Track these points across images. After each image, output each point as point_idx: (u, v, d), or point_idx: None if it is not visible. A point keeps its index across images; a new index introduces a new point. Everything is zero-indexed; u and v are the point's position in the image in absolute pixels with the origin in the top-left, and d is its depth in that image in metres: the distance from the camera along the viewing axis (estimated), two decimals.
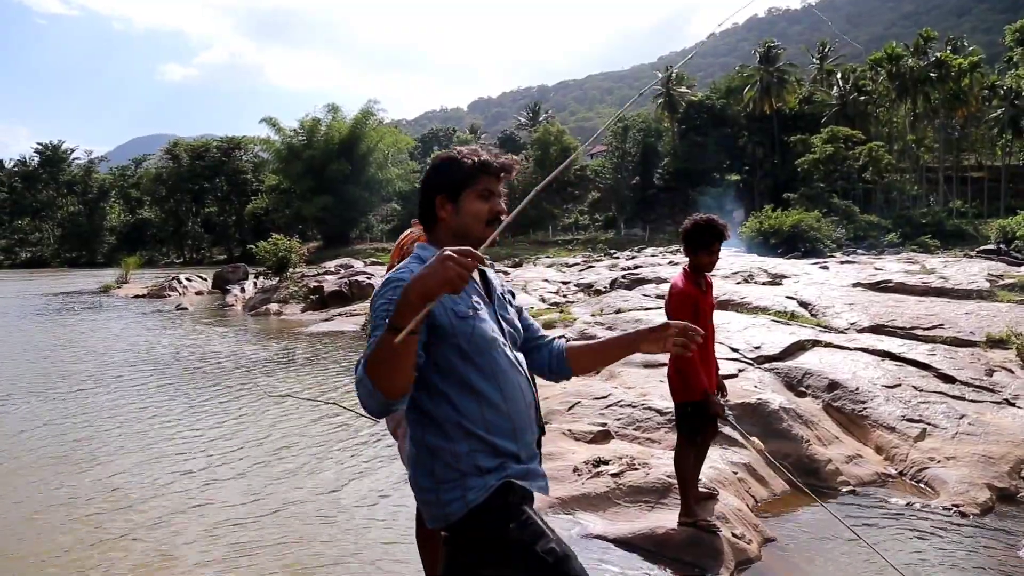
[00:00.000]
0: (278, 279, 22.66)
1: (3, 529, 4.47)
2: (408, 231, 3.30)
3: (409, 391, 1.67)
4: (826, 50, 69.07)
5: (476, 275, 1.97)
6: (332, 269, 26.37)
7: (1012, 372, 6.58)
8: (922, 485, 4.80)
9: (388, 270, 3.10)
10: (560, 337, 2.20)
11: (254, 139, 71.83)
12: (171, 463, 5.74)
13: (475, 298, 1.91)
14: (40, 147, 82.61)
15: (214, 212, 76.89)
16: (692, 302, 3.79)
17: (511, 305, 2.07)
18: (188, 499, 4.92)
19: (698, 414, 3.83)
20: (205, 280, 29.43)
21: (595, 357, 2.15)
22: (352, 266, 27.94)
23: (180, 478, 5.36)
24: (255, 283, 24.55)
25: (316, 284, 19.99)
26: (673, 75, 65.84)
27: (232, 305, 21.31)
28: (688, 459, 3.90)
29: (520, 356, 1.99)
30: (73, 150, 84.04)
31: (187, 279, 29.13)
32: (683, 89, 68.29)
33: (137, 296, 26.25)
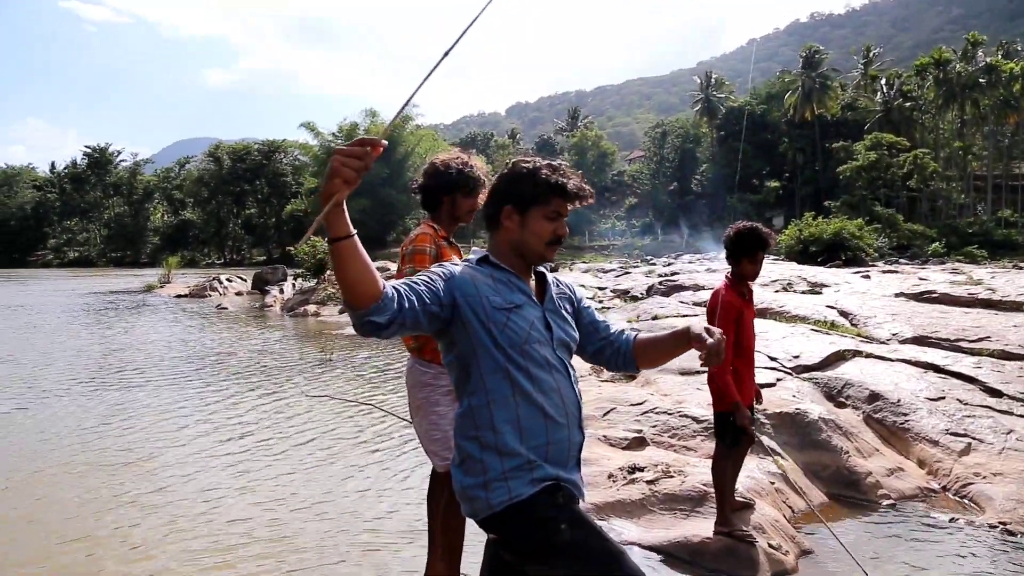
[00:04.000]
0: (316, 281, 22.92)
1: (46, 520, 4.59)
2: (415, 232, 3.29)
3: (379, 301, 1.68)
4: (871, 55, 67.88)
5: (533, 279, 2.03)
6: None
7: None
8: (966, 501, 4.68)
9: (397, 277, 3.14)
10: (631, 330, 2.20)
11: (293, 143, 72.95)
12: (208, 458, 5.84)
13: (517, 296, 1.93)
14: (89, 150, 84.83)
15: (254, 214, 78.18)
16: (735, 311, 3.75)
17: (567, 310, 2.08)
18: (222, 493, 5.00)
19: (737, 423, 3.79)
20: (245, 281, 29.90)
21: (659, 351, 2.13)
22: (388, 269, 28.19)
23: (216, 472, 5.45)
24: (294, 284, 24.87)
25: None
26: (713, 80, 65.30)
27: (271, 306, 21.62)
28: (726, 468, 3.86)
29: (566, 360, 2.00)
30: (120, 152, 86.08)
31: (227, 279, 29.63)
32: (723, 95, 67.68)
33: (179, 296, 26.78)
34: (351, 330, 14.53)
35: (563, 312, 2.05)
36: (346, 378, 9.59)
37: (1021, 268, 18.53)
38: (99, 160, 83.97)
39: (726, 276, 4.01)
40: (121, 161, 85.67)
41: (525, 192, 1.93)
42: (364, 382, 9.28)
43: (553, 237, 1.95)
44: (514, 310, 1.89)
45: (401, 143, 57.90)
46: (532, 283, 2.02)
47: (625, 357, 2.14)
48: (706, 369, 3.99)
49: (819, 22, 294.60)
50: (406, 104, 1.98)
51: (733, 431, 3.78)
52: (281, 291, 23.95)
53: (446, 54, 1.90)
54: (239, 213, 79.02)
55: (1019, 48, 58.14)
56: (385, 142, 1.58)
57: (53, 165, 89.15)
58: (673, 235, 59.59)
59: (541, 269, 2.06)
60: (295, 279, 25.63)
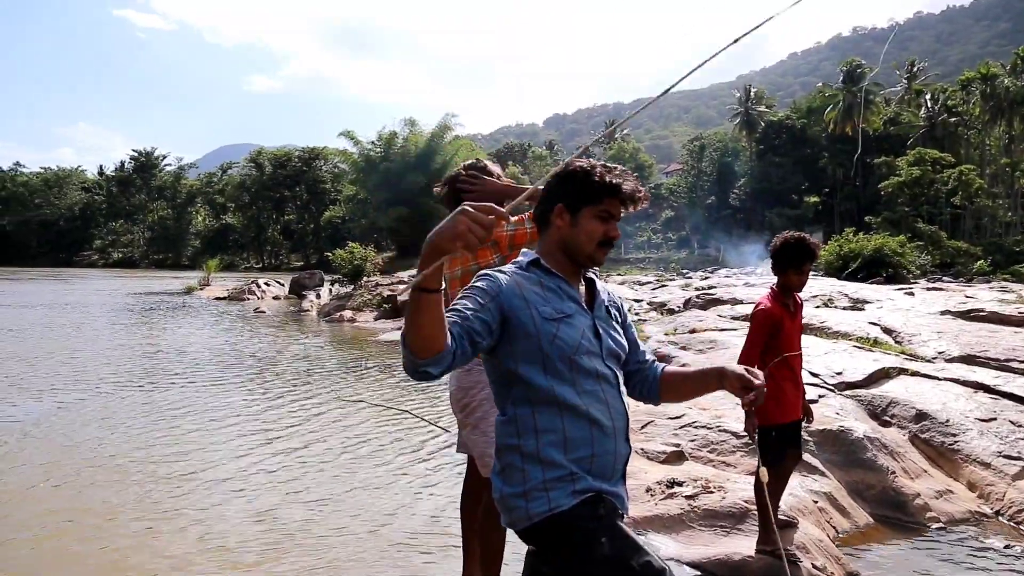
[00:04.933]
0: (352, 287, 23.14)
1: (85, 511, 4.65)
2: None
3: (439, 355, 1.64)
4: (915, 69, 66.73)
5: (583, 285, 1.98)
6: (406, 279, 26.80)
7: None
8: (1022, 527, 4.51)
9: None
10: (660, 361, 2.16)
11: (333, 150, 73.87)
12: (244, 459, 5.88)
13: (567, 304, 1.89)
14: (135, 154, 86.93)
15: (293, 219, 79.28)
16: (773, 323, 3.67)
17: (616, 320, 2.04)
18: (256, 493, 5.02)
19: (781, 439, 3.70)
20: (282, 285, 30.30)
21: (687, 386, 2.10)
22: None
23: (251, 473, 5.48)
24: (330, 290, 25.14)
25: (389, 293, 20.30)
26: (752, 94, 64.75)
27: (307, 310, 21.86)
28: (769, 485, 3.76)
29: (615, 369, 1.95)
30: (165, 156, 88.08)
31: (265, 283, 30.05)
32: (763, 108, 67.07)
33: (218, 298, 27.22)
34: (386, 336, 14.69)
35: (613, 320, 2.01)
36: (380, 383, 9.62)
37: None
38: (145, 164, 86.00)
39: (771, 287, 3.93)
40: (166, 165, 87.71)
41: (577, 191, 1.90)
42: (398, 388, 9.30)
43: (604, 238, 1.91)
44: (564, 320, 1.84)
45: (439, 152, 58.21)
46: (582, 288, 1.97)
47: (651, 387, 2.11)
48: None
49: (862, 36, 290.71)
50: (614, 126, 1.96)
51: (775, 447, 3.69)
52: (318, 296, 24.21)
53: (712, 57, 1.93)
54: (278, 218, 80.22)
55: None
56: (512, 218, 1.53)
57: (101, 168, 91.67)
58: (709, 249, 59.01)
59: (591, 275, 2.02)
60: (332, 284, 25.89)
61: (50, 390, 8.75)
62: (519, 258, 1.98)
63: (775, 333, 3.68)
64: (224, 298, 27.09)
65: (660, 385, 2.10)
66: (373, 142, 60.01)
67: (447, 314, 1.68)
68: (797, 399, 3.82)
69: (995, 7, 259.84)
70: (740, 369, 1.92)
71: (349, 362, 11.47)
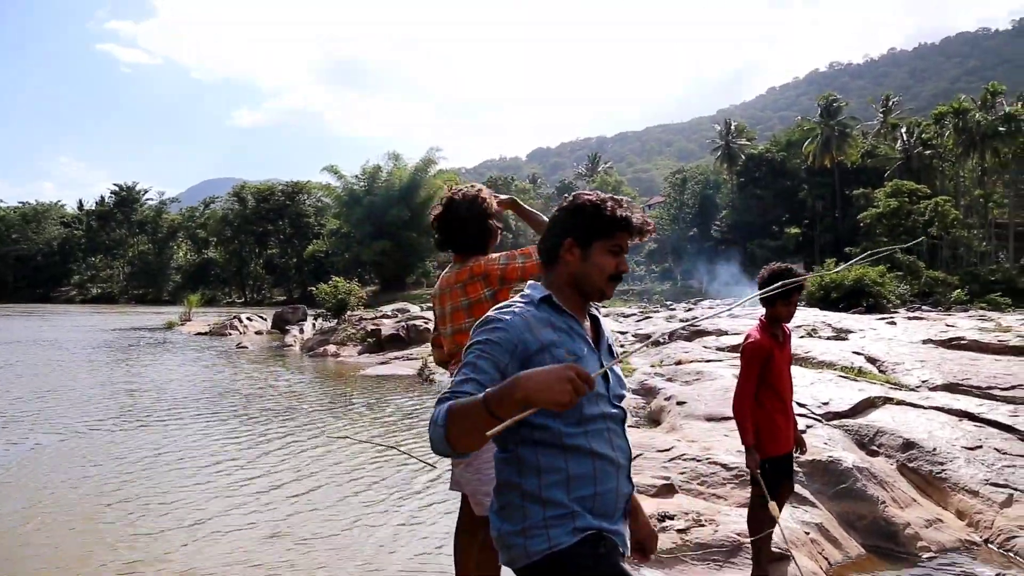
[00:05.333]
0: (336, 321, 23.00)
1: (61, 557, 4.54)
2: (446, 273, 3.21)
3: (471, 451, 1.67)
4: (890, 104, 68.17)
5: (588, 321, 1.96)
6: (389, 313, 26.68)
7: None
8: (1011, 555, 4.51)
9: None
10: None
11: (317, 184, 74.00)
12: (228, 498, 5.79)
13: (579, 344, 1.86)
14: (116, 188, 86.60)
15: (276, 254, 78.99)
16: (764, 355, 3.69)
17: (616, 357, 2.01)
18: (240, 532, 4.93)
19: (774, 471, 3.70)
20: (265, 320, 30.08)
21: None
22: (408, 311, 28.21)
23: (230, 514, 5.39)
24: (314, 324, 24.96)
25: (374, 327, 20.22)
26: (733, 127, 65.74)
27: (291, 345, 21.68)
28: (763, 517, 3.75)
29: (616, 408, 1.91)
30: (146, 191, 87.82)
31: (247, 318, 29.82)
32: (743, 142, 68.07)
33: (199, 333, 26.95)
34: (370, 370, 14.59)
35: (613, 358, 1.98)
36: (366, 419, 9.53)
37: None
38: (126, 198, 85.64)
39: (760, 319, 3.96)
40: (148, 200, 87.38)
41: (588, 225, 1.88)
42: (384, 423, 9.22)
43: (615, 272, 1.89)
44: (577, 363, 1.77)
45: (423, 186, 58.48)
46: (587, 325, 1.95)
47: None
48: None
49: (838, 71, 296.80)
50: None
51: (768, 480, 3.68)
52: (301, 331, 24.03)
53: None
54: (261, 253, 79.88)
55: None
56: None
57: (81, 203, 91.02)
58: (692, 280, 59.41)
59: (594, 312, 2.00)
60: (315, 319, 25.73)
61: (27, 431, 8.59)
62: (528, 292, 1.93)
63: (766, 364, 3.70)
64: (206, 333, 26.83)
65: None
66: (357, 176, 60.25)
67: (470, 385, 1.68)
68: (789, 430, 3.83)
69: (964, 45, 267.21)
70: (648, 531, 2.08)
71: (334, 398, 11.36)
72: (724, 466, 5.50)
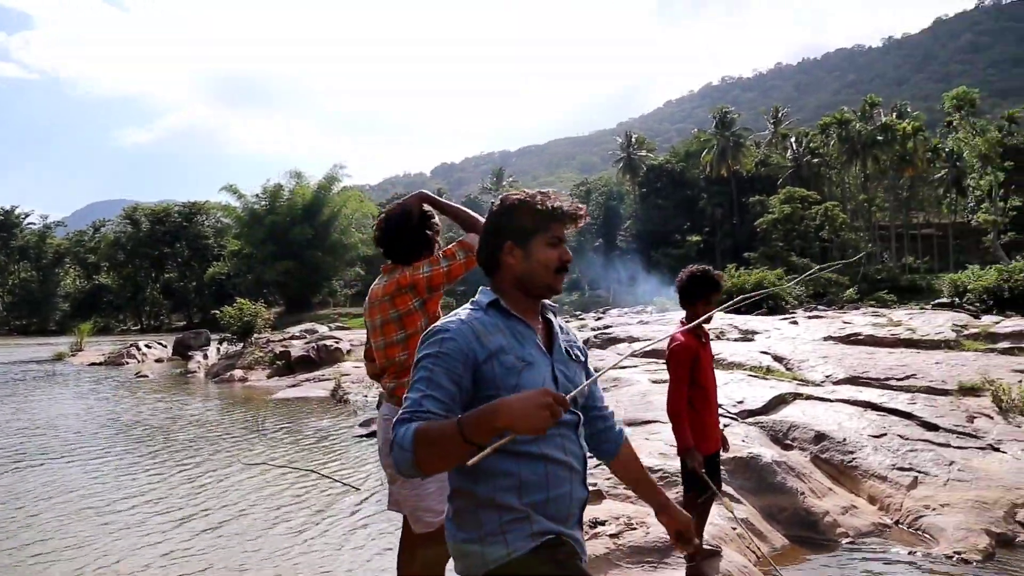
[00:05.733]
0: (242, 345, 22.22)
1: None
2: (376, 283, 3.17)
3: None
4: (780, 115, 71.73)
5: (541, 323, 1.93)
6: (297, 334, 25.98)
7: (991, 418, 6.66)
8: (920, 533, 4.76)
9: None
10: (620, 427, 2.15)
11: (216, 204, 71.50)
12: (134, 536, 5.46)
13: (529, 349, 1.82)
14: None
15: (174, 277, 75.76)
16: (692, 355, 3.77)
17: (576, 360, 1.98)
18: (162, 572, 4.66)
19: (707, 470, 3.77)
20: (165, 347, 28.76)
21: (635, 483, 2.19)
22: (316, 331, 27.57)
23: (143, 553, 5.09)
24: (218, 349, 24.02)
25: (282, 349, 19.63)
26: (633, 139, 67.55)
27: (195, 371, 20.78)
28: (697, 515, 3.81)
29: (572, 413, 1.88)
30: (27, 215, 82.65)
31: (146, 345, 28.43)
32: (643, 153, 70.05)
33: (93, 364, 25.48)
34: (282, 394, 14.15)
35: (571, 361, 1.95)
36: (282, 445, 9.20)
37: (931, 309, 19.47)
38: (3, 222, 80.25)
39: (681, 321, 4.04)
40: (29, 224, 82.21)
41: (523, 224, 1.86)
42: (301, 448, 8.93)
43: (560, 264, 1.87)
44: (526, 368, 1.78)
45: (327, 204, 57.45)
46: (539, 327, 1.92)
47: (610, 450, 2.12)
48: (665, 418, 3.97)
49: (730, 85, 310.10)
50: None
51: (701, 479, 3.74)
52: (205, 356, 23.09)
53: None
54: (157, 277, 76.41)
55: (909, 110, 62.36)
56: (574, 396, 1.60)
57: None
58: (600, 290, 60.50)
59: (549, 315, 1.97)
60: (220, 343, 24.78)
61: None
62: (477, 297, 1.89)
63: (694, 365, 3.77)
64: (101, 363, 25.37)
65: (619, 453, 2.12)
66: (258, 195, 58.64)
67: (430, 402, 1.66)
68: (717, 428, 3.92)
69: (843, 60, 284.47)
70: (684, 519, 2.08)
71: (247, 424, 10.93)
72: (649, 469, 5.54)
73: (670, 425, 6.68)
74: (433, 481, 2.83)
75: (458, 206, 3.16)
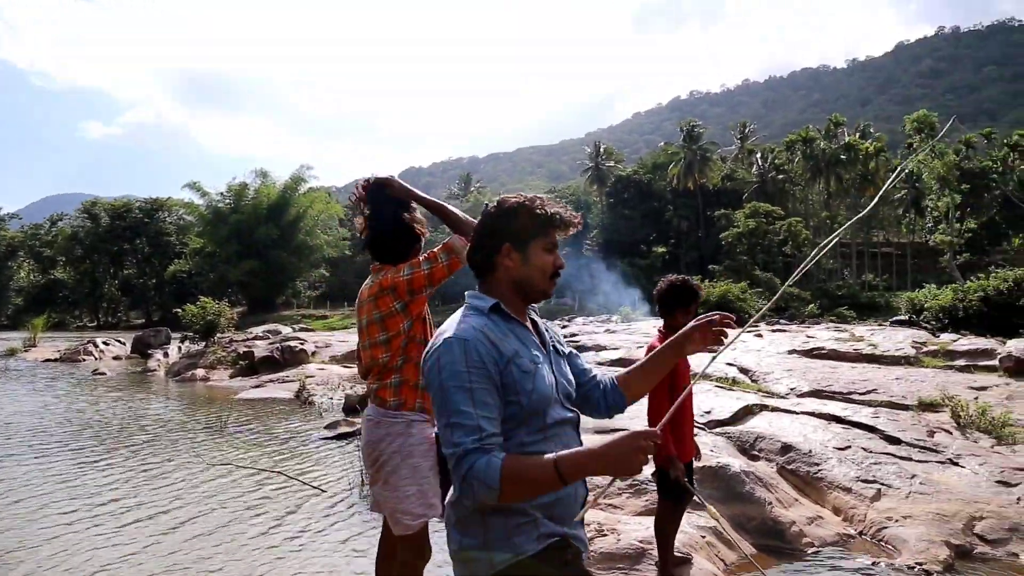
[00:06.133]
0: (205, 344, 21.87)
1: None
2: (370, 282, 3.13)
3: None
4: (747, 131, 72.90)
5: (529, 324, 1.94)
6: (261, 334, 25.67)
7: (950, 433, 6.84)
8: (883, 544, 4.86)
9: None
10: (600, 368, 2.16)
11: (179, 202, 70.28)
12: (94, 536, 5.34)
13: (534, 351, 1.84)
14: None
15: (133, 274, 74.25)
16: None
17: (561, 355, 2.00)
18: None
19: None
20: (124, 344, 28.16)
21: (646, 375, 2.08)
22: (280, 332, 27.27)
23: (103, 551, 4.98)
24: (179, 348, 23.61)
25: (246, 349, 19.36)
26: (602, 150, 68.02)
27: (155, 370, 20.39)
28: (668, 523, 3.85)
29: (571, 411, 1.91)
30: None
31: (104, 342, 27.79)
32: (611, 164, 70.59)
33: (48, 360, 24.85)
34: (245, 394, 13.96)
35: (559, 357, 1.98)
36: (247, 446, 9.07)
37: (890, 326, 19.92)
38: None
39: (659, 330, 4.08)
40: None
41: (522, 227, 1.86)
42: (264, 449, 8.81)
43: (554, 270, 1.90)
44: (537, 369, 1.80)
45: (293, 204, 56.89)
46: (530, 327, 1.93)
47: (612, 393, 2.06)
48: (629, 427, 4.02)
49: (698, 99, 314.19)
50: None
51: (677, 487, 3.78)
52: (166, 355, 22.68)
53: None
54: (116, 273, 74.84)
55: (872, 130, 63.83)
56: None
57: None
58: (565, 298, 60.74)
59: (533, 316, 1.98)
60: (181, 342, 24.36)
61: None
62: (473, 303, 1.88)
63: (672, 374, 3.80)
64: (56, 360, 24.75)
65: (621, 387, 2.07)
66: (222, 194, 57.94)
67: (488, 424, 1.68)
68: (691, 438, 3.96)
69: (808, 79, 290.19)
70: (704, 318, 2.01)
71: (210, 424, 10.75)
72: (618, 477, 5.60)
73: None
74: (412, 484, 2.83)
75: (446, 204, 3.14)
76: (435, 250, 2.99)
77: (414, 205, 3.17)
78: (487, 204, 1.99)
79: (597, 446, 1.61)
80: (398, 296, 2.96)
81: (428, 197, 3.18)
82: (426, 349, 1.81)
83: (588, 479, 1.80)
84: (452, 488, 1.82)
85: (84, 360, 24.49)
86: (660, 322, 4.12)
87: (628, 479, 1.54)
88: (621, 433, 1.60)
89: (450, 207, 3.08)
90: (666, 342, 2.06)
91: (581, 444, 1.90)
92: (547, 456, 1.63)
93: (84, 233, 72.79)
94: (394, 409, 2.89)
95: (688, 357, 4.26)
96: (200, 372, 18.40)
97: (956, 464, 5.99)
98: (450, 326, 1.81)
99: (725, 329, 2.01)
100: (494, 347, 1.75)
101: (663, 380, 3.73)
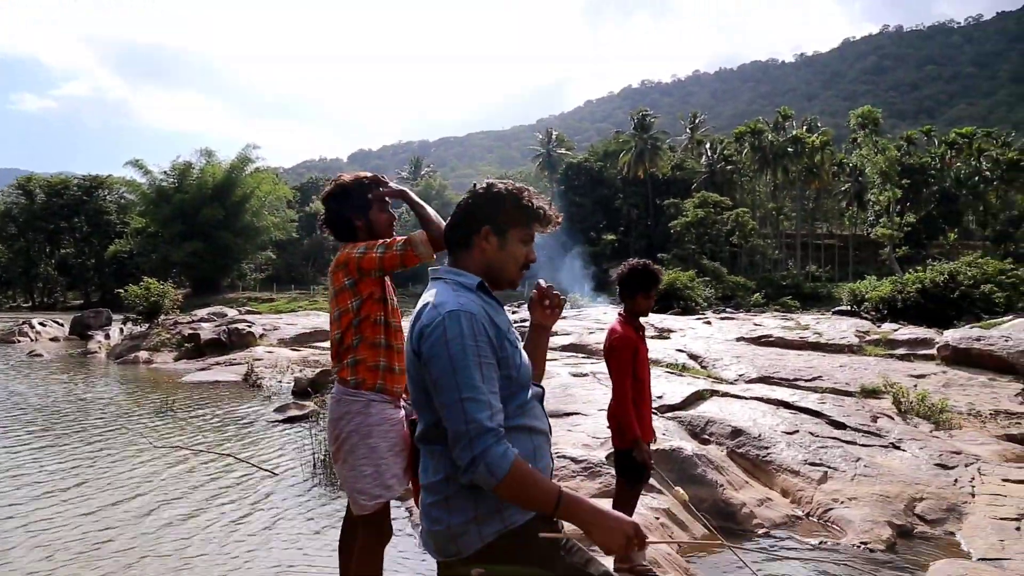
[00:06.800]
0: (148, 326, 21.32)
1: None
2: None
3: None
4: (697, 121, 73.82)
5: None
6: (206, 317, 25.12)
7: (892, 418, 7.08)
8: (829, 524, 5.02)
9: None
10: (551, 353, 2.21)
11: (119, 179, 68.09)
12: (45, 528, 5.18)
13: (513, 328, 1.89)
14: None
15: (71, 254, 71.75)
16: (633, 346, 3.83)
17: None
18: (75, 562, 4.44)
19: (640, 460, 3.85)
20: (62, 325, 27.31)
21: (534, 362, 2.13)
22: (226, 314, 26.73)
23: (64, 539, 4.84)
24: (121, 329, 23.00)
25: (191, 332, 18.94)
26: (554, 136, 68.12)
27: (95, 352, 19.82)
28: (629, 505, 3.90)
29: (539, 386, 1.97)
30: None
31: (40, 323, 26.91)
32: (563, 151, 70.76)
33: None
34: (191, 377, 13.69)
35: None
36: (194, 428, 8.89)
37: (833, 315, 20.53)
38: None
39: (619, 313, 4.11)
40: None
41: (506, 214, 1.88)
42: (212, 432, 8.65)
43: (525, 261, 1.92)
44: (518, 345, 1.86)
45: (239, 185, 55.63)
46: None
47: None
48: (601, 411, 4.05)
49: (649, 88, 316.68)
50: None
51: (636, 468, 3.83)
52: (107, 336, 22.07)
53: None
54: (52, 252, 72.20)
55: (819, 124, 65.34)
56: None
57: None
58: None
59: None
60: (123, 324, 23.71)
61: None
62: (458, 279, 1.87)
63: (634, 357, 3.83)
64: None
65: None
66: (166, 172, 56.32)
67: (496, 399, 1.71)
68: (650, 421, 4.01)
69: (758, 72, 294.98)
70: (535, 292, 2.14)
71: (155, 407, 10.49)
72: (573, 459, 5.66)
73: (591, 417, 6.82)
74: (369, 464, 2.82)
75: (425, 205, 3.10)
76: (396, 238, 2.97)
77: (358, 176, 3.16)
78: (475, 184, 1.98)
79: (600, 508, 1.67)
80: (348, 273, 2.95)
81: (415, 198, 3.15)
82: (423, 322, 1.77)
83: (555, 479, 1.82)
84: (429, 469, 1.81)
85: (19, 341, 23.67)
86: (612, 308, 4.15)
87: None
88: (625, 517, 1.68)
89: (428, 208, 3.05)
90: (530, 330, 2.18)
91: (547, 417, 1.95)
92: (555, 483, 1.68)
93: (18, 210, 69.96)
94: (353, 387, 2.89)
95: (647, 343, 4.32)
96: (143, 355, 17.95)
97: (898, 448, 6.21)
98: (447, 299, 1.78)
99: (555, 295, 2.16)
100: (492, 322, 1.78)
101: (626, 365, 3.78)
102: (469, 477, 1.65)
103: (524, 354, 1.87)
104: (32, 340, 24.21)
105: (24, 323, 26.59)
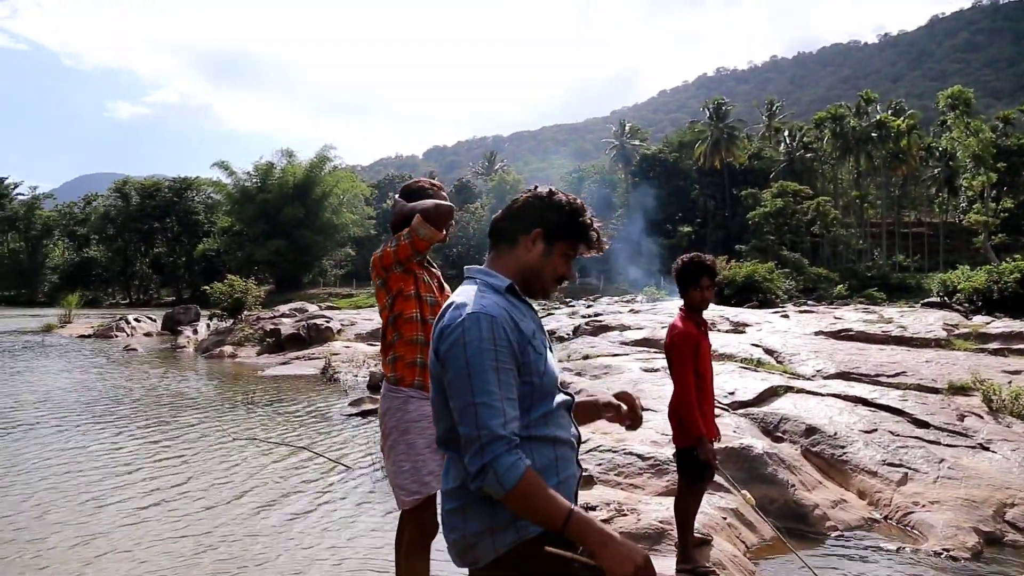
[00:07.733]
0: (232, 321, 22.14)
1: None
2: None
3: None
4: (774, 108, 71.70)
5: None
6: (287, 312, 25.91)
7: (981, 417, 6.72)
8: (909, 529, 4.81)
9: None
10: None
11: (206, 180, 70.90)
12: (133, 512, 5.45)
13: (542, 334, 1.84)
14: None
15: (163, 252, 75.30)
16: (694, 342, 3.76)
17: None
18: (155, 544, 4.65)
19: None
20: (154, 321, 28.60)
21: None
22: (307, 310, 27.49)
23: (139, 527, 5.08)
24: (208, 325, 23.95)
25: (273, 327, 19.56)
26: (627, 128, 67.38)
27: (184, 347, 20.71)
28: (689, 504, 3.83)
29: (567, 394, 1.91)
30: (17, 185, 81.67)
31: (135, 319, 28.26)
32: (636, 142, 69.93)
33: (82, 336, 25.35)
34: (271, 371, 14.13)
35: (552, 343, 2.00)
36: (271, 421, 9.19)
37: (921, 308, 19.63)
38: None
39: (680, 309, 4.03)
40: (18, 195, 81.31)
41: (561, 225, 1.85)
42: (289, 425, 8.92)
43: (562, 276, 1.90)
44: (548, 350, 1.81)
45: (318, 183, 57.10)
46: None
47: None
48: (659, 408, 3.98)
49: (724, 76, 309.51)
50: None
51: (698, 467, 3.76)
52: (195, 332, 23.02)
53: None
54: (147, 251, 75.92)
55: (906, 107, 62.54)
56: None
57: None
58: (591, 278, 60.60)
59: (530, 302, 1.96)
60: (209, 319, 24.69)
61: None
62: (486, 280, 1.84)
63: (696, 353, 3.76)
64: (89, 336, 25.24)
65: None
66: (249, 173, 58.26)
67: (511, 407, 1.67)
68: (712, 418, 3.93)
69: (838, 55, 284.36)
70: (608, 398, 2.07)
71: (237, 399, 10.90)
72: (640, 456, 5.60)
73: (660, 414, 6.69)
74: (407, 460, 2.88)
75: (424, 202, 3.14)
76: (402, 231, 3.04)
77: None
78: (536, 186, 1.96)
79: (611, 533, 1.61)
80: (377, 273, 3.09)
81: (423, 202, 3.16)
82: (444, 322, 1.76)
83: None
84: (449, 474, 1.80)
85: (116, 336, 24.91)
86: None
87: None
88: (636, 546, 1.62)
89: (423, 202, 3.08)
90: (587, 403, 2.10)
91: (575, 426, 1.91)
92: (567, 502, 1.63)
93: (116, 212, 73.89)
94: (393, 384, 2.98)
95: (712, 338, 4.22)
96: (228, 349, 18.65)
97: (987, 449, 5.90)
98: (469, 300, 1.76)
99: (639, 417, 2.12)
100: (516, 327, 1.74)
101: (688, 360, 3.71)
102: (478, 485, 1.63)
103: (551, 361, 1.82)
104: (128, 335, 25.44)
105: (121, 319, 27.98)
